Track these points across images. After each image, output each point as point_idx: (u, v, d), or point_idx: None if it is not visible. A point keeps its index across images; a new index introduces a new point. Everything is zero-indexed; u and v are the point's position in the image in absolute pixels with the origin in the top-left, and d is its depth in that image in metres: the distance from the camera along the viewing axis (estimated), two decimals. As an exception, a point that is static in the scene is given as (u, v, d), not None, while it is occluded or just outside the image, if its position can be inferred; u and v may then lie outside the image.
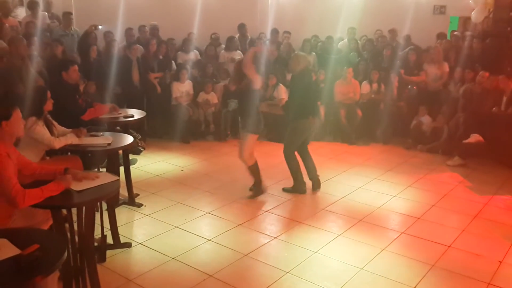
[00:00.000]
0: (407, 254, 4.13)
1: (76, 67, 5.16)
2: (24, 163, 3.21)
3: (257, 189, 5.44)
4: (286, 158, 5.52)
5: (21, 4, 8.33)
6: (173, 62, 8.27)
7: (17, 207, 2.90)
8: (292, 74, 5.59)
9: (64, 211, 3.28)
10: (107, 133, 4.71)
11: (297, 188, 5.52)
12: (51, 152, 4.42)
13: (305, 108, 5.36)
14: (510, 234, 4.58)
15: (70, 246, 3.20)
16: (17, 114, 3.06)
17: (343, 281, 3.67)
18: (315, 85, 5.86)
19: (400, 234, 4.53)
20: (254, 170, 5.40)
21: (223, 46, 8.87)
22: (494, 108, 6.85)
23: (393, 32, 8.94)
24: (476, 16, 8.48)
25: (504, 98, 6.82)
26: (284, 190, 5.57)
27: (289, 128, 5.49)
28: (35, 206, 2.93)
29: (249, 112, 5.18)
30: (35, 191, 2.89)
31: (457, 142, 6.95)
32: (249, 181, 5.55)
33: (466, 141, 6.76)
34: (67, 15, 7.88)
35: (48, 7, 8.24)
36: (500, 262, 4.03)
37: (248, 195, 5.42)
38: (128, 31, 8.17)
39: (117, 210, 4.43)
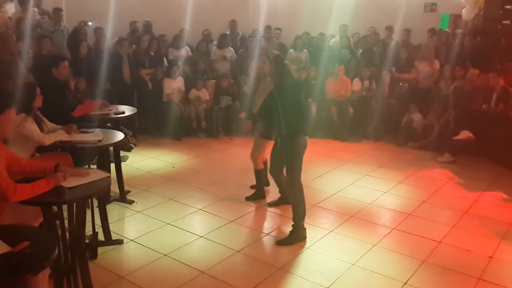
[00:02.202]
0: (398, 249, 4.15)
1: (66, 63, 5.12)
2: (13, 159, 3.17)
3: (258, 194, 5.22)
4: (292, 189, 4.36)
5: (11, 0, 8.24)
6: (164, 58, 8.23)
7: (7, 201, 2.87)
8: (277, 85, 4.37)
9: (55, 208, 3.25)
10: (97, 130, 4.68)
11: (298, 234, 4.30)
12: (41, 149, 4.38)
13: (304, 121, 4.52)
14: (500, 230, 4.63)
15: (61, 243, 3.19)
16: (9, 114, 2.99)
17: (334, 276, 3.68)
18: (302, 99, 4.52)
19: (391, 230, 4.56)
20: (260, 175, 5.18)
21: (215, 42, 8.85)
22: (484, 105, 6.91)
23: (389, 29, 8.97)
24: (466, 13, 8.53)
25: (494, 95, 6.87)
26: (278, 243, 4.26)
27: (288, 149, 4.34)
28: (26, 203, 2.91)
29: (269, 116, 4.54)
30: (26, 186, 2.87)
31: (448, 139, 6.99)
32: (245, 178, 5.58)
33: (457, 138, 6.80)
34: (57, 11, 7.81)
35: (38, 3, 8.15)
36: (490, 257, 4.07)
37: (247, 195, 5.25)
38: (132, 24, 8.22)
39: (108, 207, 4.41)
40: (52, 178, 3.02)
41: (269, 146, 4.81)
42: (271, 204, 5.07)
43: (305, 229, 4.33)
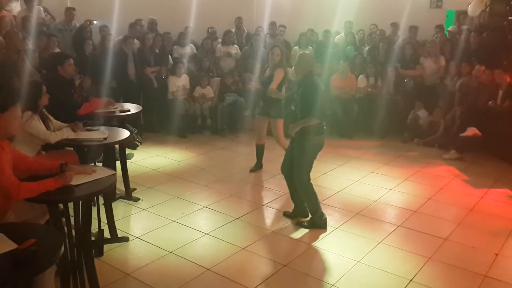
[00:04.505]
0: (404, 247, 4.14)
1: (71, 61, 5.13)
2: (20, 157, 3.19)
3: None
4: (302, 188, 4.45)
5: (16, -2, 8.27)
6: (169, 56, 8.24)
7: (12, 198, 2.89)
8: (301, 79, 4.45)
9: (61, 206, 3.27)
10: (103, 128, 4.69)
11: (316, 222, 4.46)
12: (47, 147, 4.40)
13: (321, 121, 4.41)
14: (506, 227, 4.60)
15: (67, 241, 3.20)
16: (15, 111, 3.01)
17: (340, 274, 3.68)
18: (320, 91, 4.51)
19: (397, 227, 4.55)
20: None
21: (220, 40, 8.85)
22: (490, 102, 6.87)
23: (394, 25, 8.93)
24: (472, 10, 8.48)
25: (500, 92, 6.84)
26: (301, 225, 4.51)
27: (301, 148, 4.38)
28: (32, 200, 2.93)
29: (275, 99, 5.49)
30: (31, 184, 2.88)
31: (454, 136, 6.97)
32: (250, 176, 5.73)
33: (463, 134, 6.78)
34: (70, 10, 7.84)
35: (39, 0, 8.14)
36: (496, 254, 4.05)
37: (252, 192, 5.43)
38: (132, 26, 8.10)
39: (114, 205, 4.42)
40: (60, 178, 3.02)
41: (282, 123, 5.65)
42: (286, 215, 4.73)
43: (324, 215, 4.49)
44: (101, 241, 3.95)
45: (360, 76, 8.22)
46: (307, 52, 4.81)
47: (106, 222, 4.16)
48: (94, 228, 3.92)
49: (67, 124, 4.39)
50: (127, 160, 5.33)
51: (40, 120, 4.11)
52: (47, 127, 4.16)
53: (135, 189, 5.27)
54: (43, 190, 2.90)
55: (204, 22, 9.01)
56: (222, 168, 6.23)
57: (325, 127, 4.55)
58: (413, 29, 8.77)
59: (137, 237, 4.22)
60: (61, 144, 4.31)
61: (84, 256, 3.29)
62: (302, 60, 4.44)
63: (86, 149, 4.49)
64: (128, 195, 5.07)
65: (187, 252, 3.98)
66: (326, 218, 4.49)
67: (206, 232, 4.35)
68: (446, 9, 9.60)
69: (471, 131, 6.73)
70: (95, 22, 7.68)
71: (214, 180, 5.74)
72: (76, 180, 3.12)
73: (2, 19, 6.83)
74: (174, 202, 5.05)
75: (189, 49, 8.51)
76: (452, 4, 9.46)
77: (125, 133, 4.54)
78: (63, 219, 3.28)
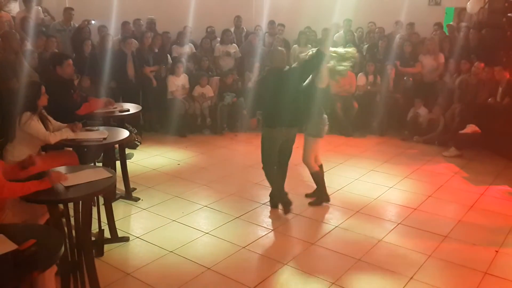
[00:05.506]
0: (404, 244, 4.14)
1: (70, 61, 5.12)
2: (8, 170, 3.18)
3: (320, 197, 5.02)
4: (264, 171, 4.78)
5: (15, -1, 8.26)
6: (168, 55, 8.23)
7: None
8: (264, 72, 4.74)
9: (61, 206, 3.27)
10: (102, 128, 4.69)
11: (286, 205, 4.75)
12: (47, 147, 4.40)
13: (272, 114, 4.55)
14: (506, 224, 4.61)
15: (67, 241, 3.20)
16: None
17: (340, 272, 3.68)
18: (293, 89, 4.53)
19: (397, 225, 4.55)
20: (317, 176, 4.98)
21: (219, 39, 8.85)
22: (489, 99, 6.87)
23: (399, 24, 8.91)
24: (471, 7, 8.47)
25: (500, 89, 6.83)
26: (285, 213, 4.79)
27: (262, 136, 4.73)
28: (31, 200, 2.93)
29: (312, 112, 4.68)
30: (16, 185, 2.88)
31: (453, 133, 6.97)
32: (250, 175, 5.66)
33: (462, 132, 6.78)
34: (68, 10, 7.83)
35: (39, 1, 8.14)
36: (497, 251, 4.06)
37: (252, 191, 5.36)
38: (124, 25, 8.11)
39: (114, 205, 4.42)
40: (48, 177, 3.01)
41: (318, 144, 4.92)
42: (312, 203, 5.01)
43: (286, 193, 4.81)
44: (101, 241, 3.96)
45: (360, 74, 8.21)
46: (281, 48, 4.88)
47: (106, 222, 4.16)
48: (94, 228, 3.93)
49: (66, 124, 4.39)
50: (127, 160, 5.33)
51: (39, 121, 4.10)
52: (47, 128, 4.15)
53: (135, 189, 5.28)
54: (27, 192, 2.88)
55: (203, 21, 9.00)
56: (222, 167, 6.23)
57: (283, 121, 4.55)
58: (408, 26, 8.76)
59: (137, 237, 4.22)
60: (61, 145, 4.31)
61: (84, 256, 3.29)
62: (271, 54, 4.76)
63: (85, 149, 4.48)
64: (128, 195, 5.08)
65: (187, 251, 3.98)
66: (286, 194, 4.78)
67: (206, 231, 4.35)
68: (445, 6, 9.59)
69: (470, 128, 6.73)
70: (93, 22, 7.68)
71: (214, 179, 5.74)
72: (76, 180, 3.12)
73: (-1, 20, 6.82)
74: (174, 201, 5.05)
75: (188, 48, 8.50)
76: (451, 2, 9.45)
77: (124, 133, 4.54)
78: (63, 219, 3.28)
